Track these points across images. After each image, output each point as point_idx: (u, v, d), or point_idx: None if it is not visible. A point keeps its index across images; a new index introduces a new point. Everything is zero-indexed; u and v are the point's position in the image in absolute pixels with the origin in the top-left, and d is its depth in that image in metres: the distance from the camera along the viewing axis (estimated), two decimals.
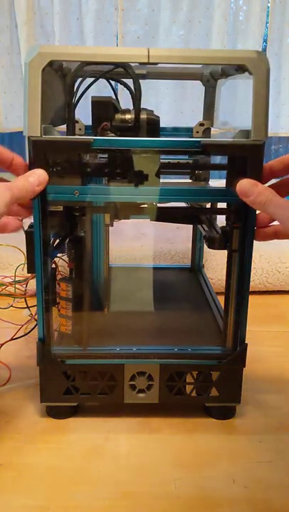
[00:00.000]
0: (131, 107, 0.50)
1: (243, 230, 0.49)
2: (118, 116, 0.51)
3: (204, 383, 0.52)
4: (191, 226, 0.81)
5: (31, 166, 0.46)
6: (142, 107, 0.50)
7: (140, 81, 0.49)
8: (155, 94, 1.80)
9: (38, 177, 0.45)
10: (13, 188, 0.43)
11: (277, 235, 0.48)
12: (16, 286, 0.85)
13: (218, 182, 0.58)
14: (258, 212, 0.47)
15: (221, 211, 0.54)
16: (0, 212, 0.41)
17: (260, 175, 0.46)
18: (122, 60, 0.47)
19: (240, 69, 0.49)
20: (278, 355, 0.69)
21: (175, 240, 0.98)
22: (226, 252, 0.52)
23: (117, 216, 0.57)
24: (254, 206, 0.44)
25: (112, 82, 0.55)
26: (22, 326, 0.68)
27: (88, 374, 0.52)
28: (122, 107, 0.53)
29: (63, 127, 0.53)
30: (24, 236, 0.50)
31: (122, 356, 0.52)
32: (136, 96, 0.49)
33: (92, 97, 0.52)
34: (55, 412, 0.53)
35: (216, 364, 0.52)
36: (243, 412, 0.55)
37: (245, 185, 0.44)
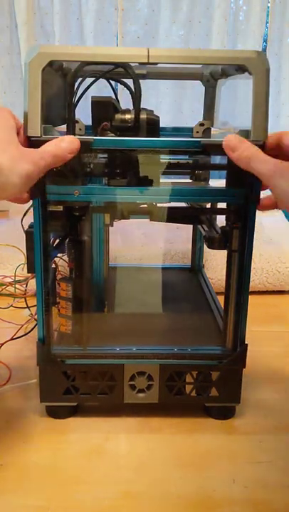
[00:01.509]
0: (131, 107, 0.50)
1: (242, 230, 0.49)
2: (118, 116, 0.51)
3: (204, 383, 0.52)
4: (191, 226, 0.81)
5: None
6: (142, 107, 0.50)
7: (140, 81, 0.49)
8: (155, 94, 1.79)
9: (70, 144, 0.43)
10: (46, 157, 0.41)
11: (277, 204, 0.47)
12: (16, 286, 0.85)
13: (218, 182, 0.58)
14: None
15: (221, 211, 0.54)
16: (21, 188, 0.40)
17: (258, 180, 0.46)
18: (122, 60, 0.47)
19: (240, 69, 0.49)
20: (278, 355, 0.69)
21: (175, 240, 0.98)
22: (226, 252, 0.52)
23: (117, 216, 0.57)
24: (239, 162, 0.44)
25: (112, 82, 0.55)
26: (22, 325, 0.68)
27: (88, 374, 0.52)
28: (122, 107, 0.53)
29: (63, 127, 0.53)
30: (24, 236, 0.50)
31: (122, 356, 0.52)
32: (136, 96, 0.49)
33: (92, 97, 0.52)
34: (55, 412, 0.53)
35: (215, 364, 0.52)
36: (243, 412, 0.55)
37: (232, 139, 0.44)
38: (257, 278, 0.89)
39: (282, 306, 0.87)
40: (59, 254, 0.59)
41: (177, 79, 0.75)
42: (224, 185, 0.49)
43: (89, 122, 0.53)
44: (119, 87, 0.53)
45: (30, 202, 0.47)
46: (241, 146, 0.43)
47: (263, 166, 0.42)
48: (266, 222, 1.23)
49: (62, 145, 0.43)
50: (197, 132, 0.68)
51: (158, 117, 0.52)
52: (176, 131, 0.72)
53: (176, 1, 1.72)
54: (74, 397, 0.52)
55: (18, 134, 0.45)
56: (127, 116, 0.51)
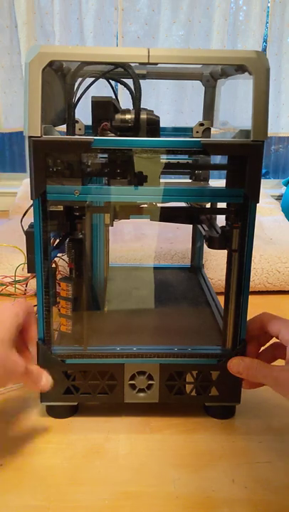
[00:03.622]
0: (131, 107, 0.50)
1: (242, 230, 0.49)
2: (118, 116, 0.51)
3: (204, 383, 0.52)
4: (191, 226, 0.81)
5: (32, 166, 0.46)
6: (142, 107, 0.50)
7: (140, 81, 0.49)
8: (155, 94, 1.80)
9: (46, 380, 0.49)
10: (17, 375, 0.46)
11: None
12: (16, 286, 0.85)
13: (218, 182, 0.58)
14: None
15: (221, 211, 0.54)
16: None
17: (260, 174, 0.46)
18: (122, 60, 0.47)
19: (240, 69, 0.49)
20: None
21: (175, 240, 0.98)
22: (226, 251, 0.52)
23: (117, 216, 0.57)
24: (249, 379, 0.49)
25: (112, 82, 0.55)
26: None
27: (88, 373, 0.52)
28: (122, 107, 0.53)
29: (63, 127, 0.53)
30: (24, 236, 0.50)
31: (122, 355, 0.52)
32: (136, 96, 0.49)
33: (92, 97, 0.52)
34: (55, 412, 0.53)
35: (215, 363, 0.52)
36: (243, 411, 0.55)
37: (234, 365, 0.50)
38: (257, 278, 0.89)
39: (282, 306, 0.87)
40: (59, 254, 0.59)
41: (177, 79, 0.75)
42: (224, 185, 0.49)
43: (89, 122, 0.53)
44: (119, 87, 0.53)
45: (31, 202, 0.47)
46: (243, 368, 0.49)
47: (270, 382, 0.46)
48: (266, 222, 1.23)
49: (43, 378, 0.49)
50: (197, 132, 0.68)
51: (158, 117, 0.52)
52: (176, 131, 0.72)
53: (176, 1, 1.72)
54: (74, 396, 0.52)
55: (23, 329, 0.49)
56: (127, 116, 0.51)
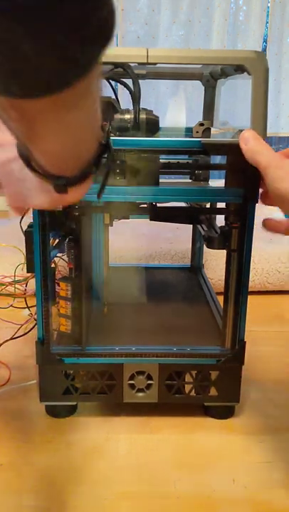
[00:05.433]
0: (131, 107, 0.50)
1: (242, 230, 0.49)
2: (118, 116, 0.51)
3: (203, 383, 0.52)
4: (191, 226, 0.81)
5: None
6: (141, 107, 0.50)
7: (140, 81, 0.49)
8: (155, 94, 1.80)
9: None
10: None
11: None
12: (16, 286, 0.85)
13: (218, 182, 0.58)
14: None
15: (221, 211, 0.54)
16: None
17: (260, 174, 0.46)
18: (121, 60, 0.47)
19: (240, 69, 0.49)
20: (278, 355, 0.69)
21: (175, 240, 0.98)
22: (225, 251, 0.52)
23: (117, 216, 0.57)
24: (246, 153, 0.44)
25: (112, 82, 0.55)
26: (22, 325, 0.67)
27: (87, 373, 0.52)
28: (122, 107, 0.53)
29: None
30: (24, 236, 0.50)
31: (122, 355, 0.52)
32: (135, 96, 0.49)
33: None
34: (54, 412, 0.53)
35: (214, 363, 0.52)
36: (243, 412, 0.55)
37: (247, 134, 0.43)
38: (257, 278, 0.89)
39: (282, 306, 0.87)
40: (59, 254, 0.58)
41: (177, 79, 0.74)
42: (224, 185, 0.49)
43: None
44: (119, 87, 0.53)
45: None
46: (254, 141, 0.43)
47: (262, 158, 0.42)
48: None
49: None
50: (197, 132, 0.68)
51: (157, 117, 0.52)
52: (176, 131, 0.72)
53: (176, 1, 1.72)
54: (73, 396, 0.52)
55: None
56: (127, 116, 0.51)
